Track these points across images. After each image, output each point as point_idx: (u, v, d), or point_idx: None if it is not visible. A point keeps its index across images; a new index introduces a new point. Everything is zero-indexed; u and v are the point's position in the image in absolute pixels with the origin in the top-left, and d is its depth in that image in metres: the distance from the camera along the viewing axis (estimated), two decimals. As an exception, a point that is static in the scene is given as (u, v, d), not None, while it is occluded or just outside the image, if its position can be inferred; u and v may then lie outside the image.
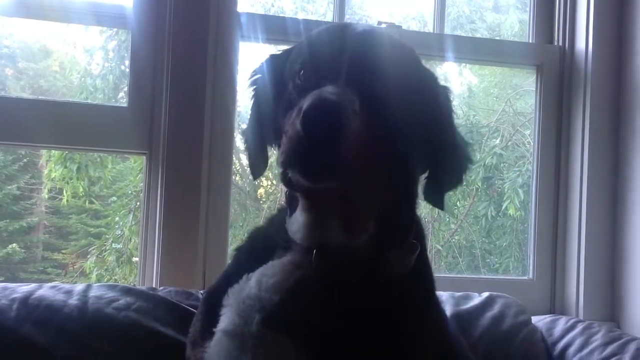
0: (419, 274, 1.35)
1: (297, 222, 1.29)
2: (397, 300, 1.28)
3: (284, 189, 1.32)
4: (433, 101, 1.34)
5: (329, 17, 2.56)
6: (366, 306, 1.24)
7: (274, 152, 1.40)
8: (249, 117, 1.45)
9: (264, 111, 1.40)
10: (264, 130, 1.41)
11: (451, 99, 1.40)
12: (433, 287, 1.42)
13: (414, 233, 1.35)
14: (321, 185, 1.15)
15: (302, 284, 1.25)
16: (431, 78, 1.38)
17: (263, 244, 1.37)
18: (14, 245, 4.88)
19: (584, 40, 2.58)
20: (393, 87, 1.22)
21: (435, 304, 1.47)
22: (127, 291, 1.89)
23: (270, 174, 3.23)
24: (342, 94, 1.11)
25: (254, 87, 1.44)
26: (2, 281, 4.12)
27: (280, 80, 1.36)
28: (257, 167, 1.45)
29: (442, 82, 1.41)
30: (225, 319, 1.28)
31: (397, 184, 1.27)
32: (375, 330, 1.23)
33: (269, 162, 1.44)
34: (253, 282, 1.29)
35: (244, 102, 1.46)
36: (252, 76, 1.45)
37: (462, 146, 1.40)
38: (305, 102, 1.07)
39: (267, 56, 1.44)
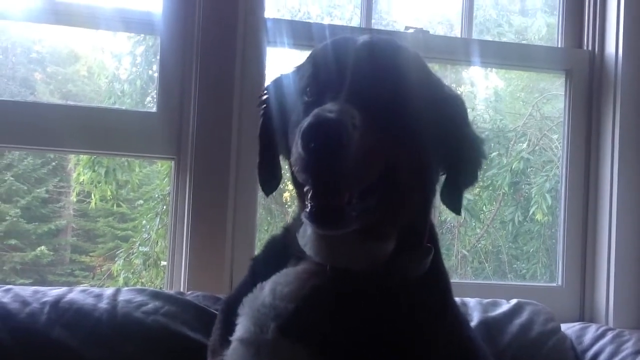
0: (433, 278, 1.35)
1: (306, 236, 1.31)
2: (412, 305, 1.28)
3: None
4: (439, 104, 1.33)
5: (355, 21, 2.56)
6: (381, 313, 1.24)
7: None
8: (259, 134, 1.47)
9: (276, 128, 1.41)
10: (275, 148, 1.43)
11: (458, 99, 1.39)
12: (449, 290, 1.41)
13: (427, 236, 1.36)
14: (333, 233, 1.18)
15: (316, 293, 1.25)
16: (436, 82, 1.37)
17: (279, 253, 1.38)
18: (43, 247, 4.94)
19: (614, 44, 2.55)
20: (396, 96, 1.23)
21: (452, 307, 1.45)
22: (156, 295, 1.91)
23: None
24: (341, 111, 1.11)
25: (265, 105, 1.45)
26: (30, 283, 4.18)
27: (290, 98, 1.37)
28: (269, 184, 1.47)
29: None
30: (241, 328, 1.28)
31: (412, 192, 1.29)
32: (390, 337, 1.23)
33: (281, 179, 1.46)
34: (267, 291, 1.29)
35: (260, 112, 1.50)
36: (263, 94, 1.46)
37: (475, 143, 1.39)
38: (304, 123, 1.09)
39: (279, 75, 1.45)
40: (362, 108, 1.15)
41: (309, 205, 1.16)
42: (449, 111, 1.35)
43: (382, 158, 1.17)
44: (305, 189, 1.19)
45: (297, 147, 1.11)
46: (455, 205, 1.40)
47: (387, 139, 1.18)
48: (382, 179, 1.19)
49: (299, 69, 1.38)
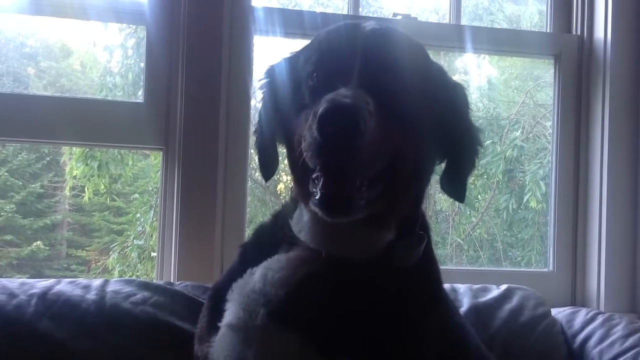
0: (424, 266, 1.35)
1: (300, 222, 1.31)
2: (403, 293, 1.28)
3: (292, 185, 1.35)
4: (443, 93, 1.34)
5: (346, 10, 2.55)
6: (375, 300, 1.24)
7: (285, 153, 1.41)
8: (258, 119, 1.46)
9: (275, 113, 1.40)
10: (274, 133, 1.42)
11: (461, 89, 1.40)
12: (439, 278, 1.42)
13: (420, 224, 1.36)
14: (342, 221, 1.17)
15: (309, 280, 1.25)
16: (440, 71, 1.39)
17: (268, 240, 1.38)
18: (39, 242, 4.94)
19: (602, 29, 2.54)
20: (404, 84, 1.23)
21: (442, 295, 1.46)
22: (144, 286, 1.91)
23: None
24: (356, 96, 1.11)
25: (264, 90, 1.44)
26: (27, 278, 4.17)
27: (292, 82, 1.36)
28: (268, 168, 1.46)
29: (453, 75, 1.41)
30: (230, 314, 1.28)
31: (415, 180, 1.30)
32: (381, 325, 1.23)
33: (279, 163, 1.46)
34: (257, 277, 1.29)
35: (259, 96, 1.48)
36: (262, 79, 1.45)
37: (474, 131, 1.40)
38: (321, 107, 1.08)
39: (279, 60, 1.44)
40: (373, 94, 1.15)
41: (318, 192, 1.15)
42: (453, 99, 1.37)
43: (392, 145, 1.18)
44: (314, 176, 1.18)
45: (311, 132, 1.11)
46: (458, 193, 1.41)
47: (397, 126, 1.19)
48: (388, 167, 1.19)
49: (300, 54, 1.37)
